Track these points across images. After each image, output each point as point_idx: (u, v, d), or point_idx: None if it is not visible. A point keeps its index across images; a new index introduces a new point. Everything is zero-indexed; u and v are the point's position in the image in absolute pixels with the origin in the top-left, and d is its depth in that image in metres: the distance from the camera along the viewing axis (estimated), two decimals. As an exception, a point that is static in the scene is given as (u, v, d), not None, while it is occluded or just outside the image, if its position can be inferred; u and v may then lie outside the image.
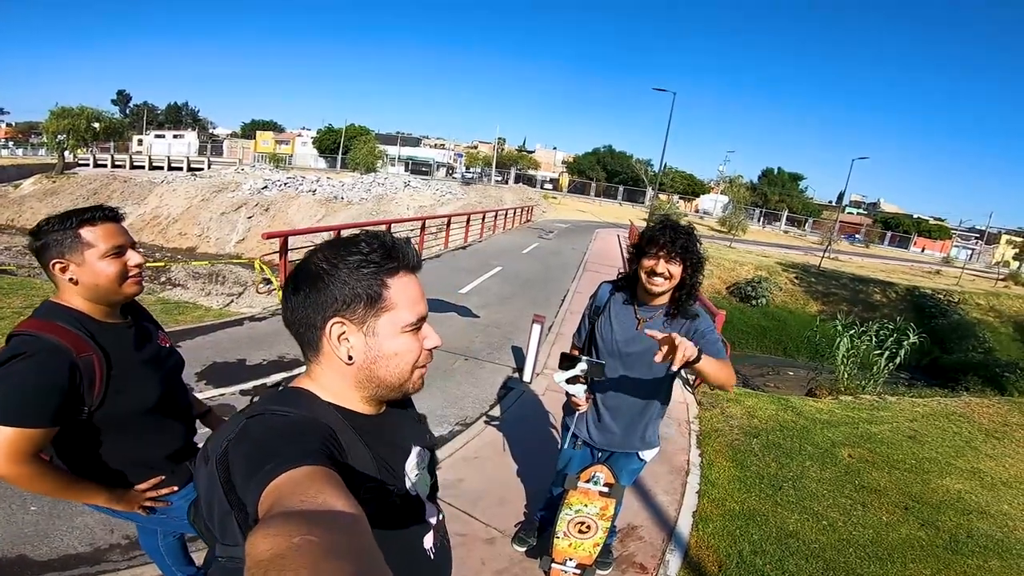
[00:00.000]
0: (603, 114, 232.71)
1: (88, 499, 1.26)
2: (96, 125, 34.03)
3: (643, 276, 1.88)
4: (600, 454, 2.18)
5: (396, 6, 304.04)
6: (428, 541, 0.88)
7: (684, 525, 3.04)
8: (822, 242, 30.55)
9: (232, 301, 8.94)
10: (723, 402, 4.99)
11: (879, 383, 6.91)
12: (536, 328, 4.88)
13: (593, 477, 2.01)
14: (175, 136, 55.81)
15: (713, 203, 47.78)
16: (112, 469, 1.29)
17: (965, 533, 3.27)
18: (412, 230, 11.93)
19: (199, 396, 3.77)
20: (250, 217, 24.83)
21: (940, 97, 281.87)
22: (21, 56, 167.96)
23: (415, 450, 0.87)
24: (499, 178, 50.96)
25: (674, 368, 1.51)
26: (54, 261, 1.19)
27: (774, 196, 49.41)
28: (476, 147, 65.32)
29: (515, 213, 21.35)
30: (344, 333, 0.75)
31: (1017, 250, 36.40)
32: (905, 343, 7.31)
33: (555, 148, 67.60)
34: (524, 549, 2.58)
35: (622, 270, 2.17)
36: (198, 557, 1.71)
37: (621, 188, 48.51)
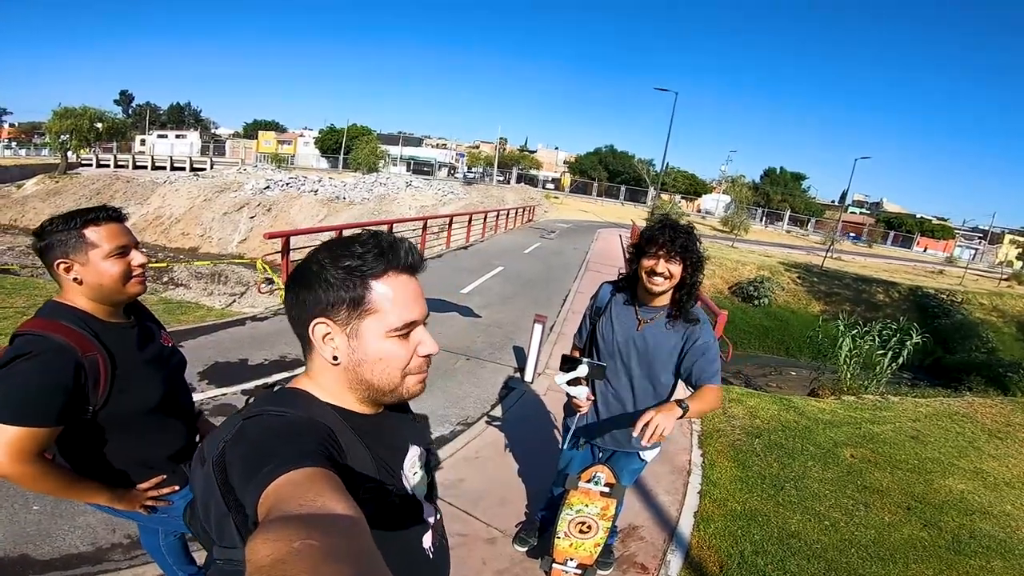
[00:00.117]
0: (605, 114, 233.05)
1: (90, 498, 1.26)
2: (99, 125, 34.07)
3: (643, 276, 1.88)
4: (601, 454, 2.19)
5: (397, 6, 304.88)
6: (427, 541, 0.88)
7: (685, 525, 3.03)
8: (825, 242, 30.49)
9: (234, 301, 8.96)
10: (725, 402, 4.99)
11: (882, 383, 6.90)
12: (538, 328, 4.88)
13: (594, 477, 2.01)
14: (177, 136, 55.90)
15: (715, 203, 47.68)
16: (115, 468, 1.29)
17: (968, 534, 3.26)
18: (414, 230, 11.95)
19: (201, 396, 3.82)
20: (252, 217, 24.89)
21: (943, 96, 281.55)
22: (24, 56, 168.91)
23: (414, 450, 0.87)
24: (501, 178, 50.97)
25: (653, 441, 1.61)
26: (58, 261, 1.19)
27: (776, 196, 49.30)
28: (478, 147, 65.29)
29: (517, 213, 21.33)
30: (329, 334, 0.75)
31: (1021, 250, 36.36)
32: (908, 343, 7.27)
33: (557, 148, 67.69)
34: (525, 549, 2.58)
35: (623, 270, 2.17)
36: (199, 557, 1.72)
37: (623, 188, 48.40)
